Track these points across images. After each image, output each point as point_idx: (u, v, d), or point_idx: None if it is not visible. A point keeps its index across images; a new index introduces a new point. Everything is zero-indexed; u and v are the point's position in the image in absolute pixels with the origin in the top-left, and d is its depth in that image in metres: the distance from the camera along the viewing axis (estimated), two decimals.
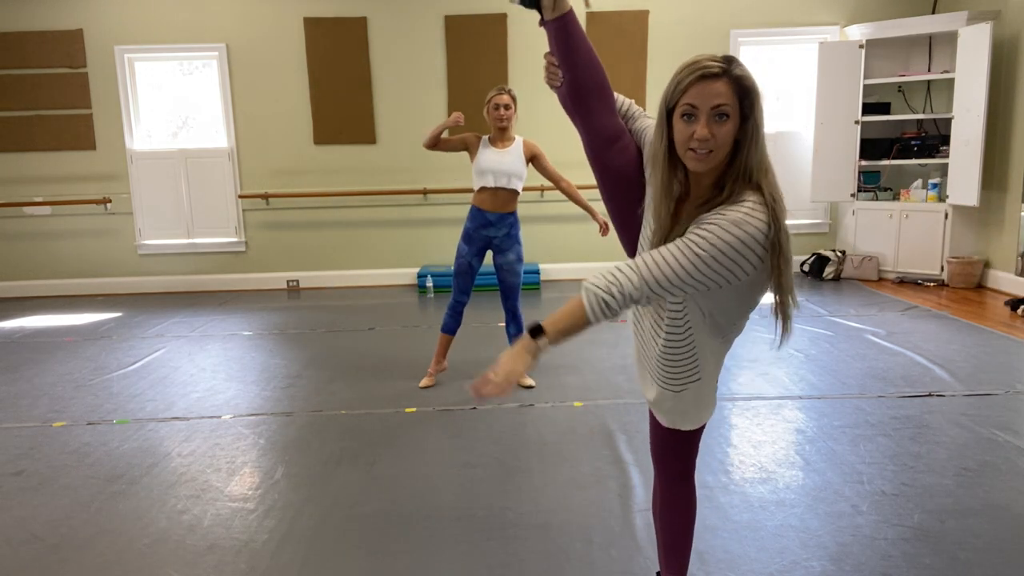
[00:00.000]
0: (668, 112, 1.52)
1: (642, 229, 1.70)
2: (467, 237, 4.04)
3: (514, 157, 3.95)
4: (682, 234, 1.53)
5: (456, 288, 4.10)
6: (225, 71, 6.98)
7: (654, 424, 1.91)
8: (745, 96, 1.46)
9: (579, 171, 7.12)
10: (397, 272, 7.33)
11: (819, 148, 6.83)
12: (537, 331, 1.50)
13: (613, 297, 1.47)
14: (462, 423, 3.64)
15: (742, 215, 1.46)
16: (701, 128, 1.45)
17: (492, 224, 3.99)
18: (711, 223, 1.46)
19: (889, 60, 6.84)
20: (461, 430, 3.55)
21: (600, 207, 7.10)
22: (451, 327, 4.16)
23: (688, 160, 1.51)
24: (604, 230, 4.11)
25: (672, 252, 1.47)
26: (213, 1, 6.88)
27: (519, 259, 4.07)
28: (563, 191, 4.13)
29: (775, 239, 1.48)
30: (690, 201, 1.59)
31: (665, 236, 1.58)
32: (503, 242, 4.03)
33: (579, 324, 1.50)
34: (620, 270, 1.49)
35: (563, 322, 1.50)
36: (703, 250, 1.45)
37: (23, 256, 7.25)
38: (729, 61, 1.47)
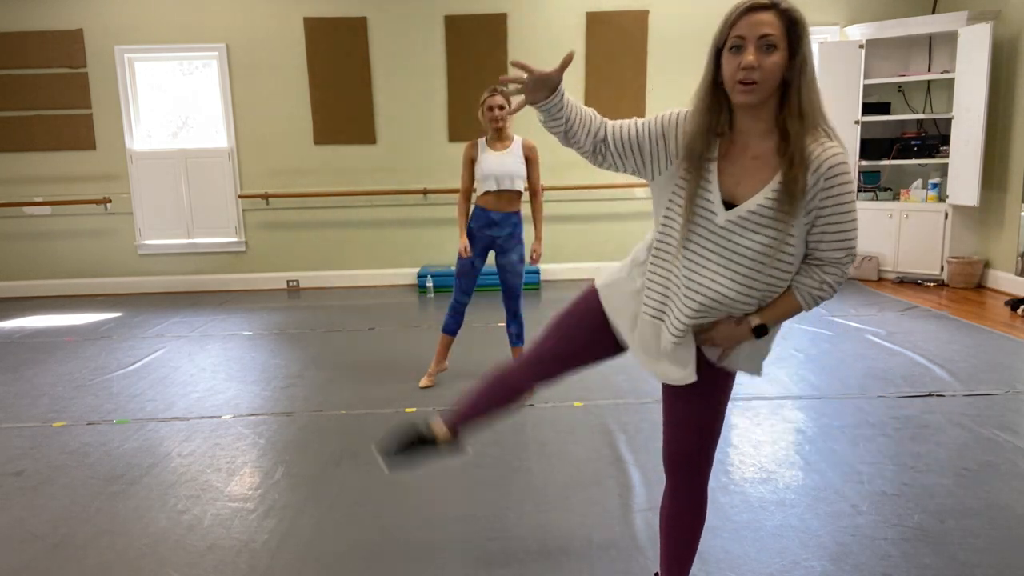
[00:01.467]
0: (717, 51, 1.56)
1: (669, 196, 1.67)
2: (471, 237, 4.03)
3: (514, 158, 3.94)
4: (753, 183, 1.56)
5: (458, 288, 4.10)
6: (225, 71, 6.98)
7: (679, 431, 1.82)
8: (792, 28, 1.50)
9: (576, 172, 7.14)
10: (397, 272, 7.33)
11: None
12: (760, 330, 1.66)
13: (829, 297, 1.65)
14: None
15: (841, 157, 1.53)
16: (748, 56, 1.48)
17: (496, 224, 3.99)
18: (835, 184, 1.52)
19: (889, 60, 6.84)
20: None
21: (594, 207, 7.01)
22: (452, 328, 4.16)
23: (735, 94, 1.53)
24: (534, 258, 4.09)
25: (844, 228, 1.55)
26: (213, 1, 6.88)
27: (521, 259, 4.07)
28: (532, 203, 4.10)
29: None
30: (737, 148, 1.60)
31: (700, 178, 1.60)
32: (506, 242, 4.02)
33: (792, 313, 1.67)
34: (832, 270, 1.61)
35: (782, 317, 1.67)
36: (851, 203, 1.55)
37: (23, 256, 7.25)
38: (776, 0, 1.51)
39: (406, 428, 2.17)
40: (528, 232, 4.22)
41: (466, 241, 4.00)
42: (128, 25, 6.89)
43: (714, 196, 1.59)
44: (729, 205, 1.59)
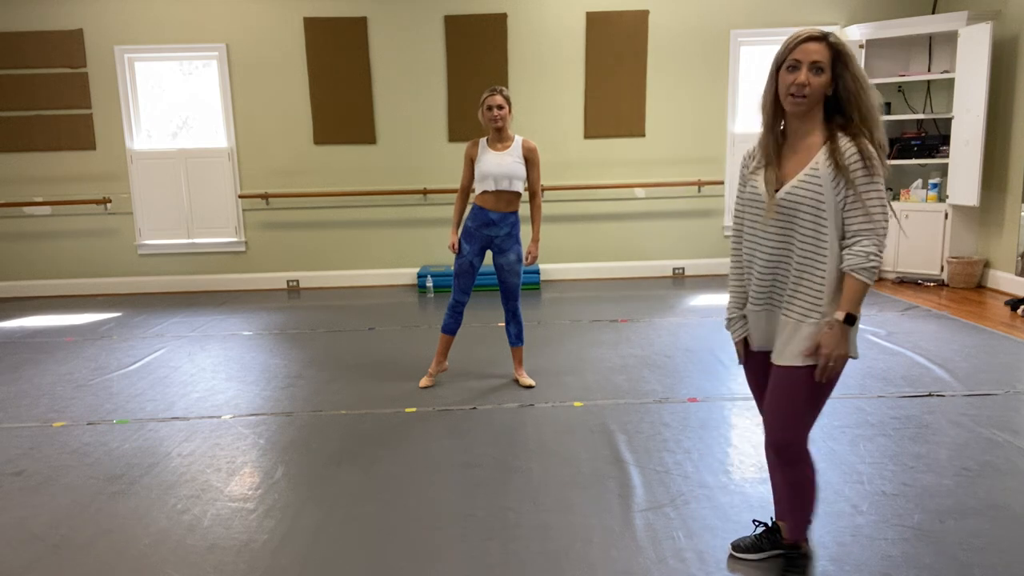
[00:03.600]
0: (776, 69, 1.98)
1: (747, 162, 2.13)
2: (468, 236, 4.03)
3: (513, 159, 3.93)
4: (796, 169, 1.99)
5: (457, 288, 4.10)
6: (225, 71, 6.98)
7: (770, 399, 2.10)
8: (838, 58, 1.92)
9: (576, 172, 7.13)
10: (397, 272, 7.33)
11: None
12: (850, 319, 1.95)
13: (878, 266, 1.93)
14: (462, 423, 3.64)
15: (866, 147, 1.91)
16: (801, 75, 1.92)
17: (494, 223, 3.99)
18: (869, 169, 1.90)
19: (889, 60, 6.84)
20: (461, 430, 3.55)
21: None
22: (452, 327, 4.16)
23: (787, 103, 1.96)
24: (529, 259, 4.08)
25: (875, 204, 1.90)
26: (213, 1, 6.88)
27: (519, 259, 4.06)
28: (531, 204, 4.09)
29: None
30: (788, 146, 2.03)
31: (769, 165, 2.04)
32: (504, 242, 4.02)
33: (863, 294, 1.96)
34: (869, 241, 1.91)
35: (857, 300, 1.95)
36: (881, 186, 1.92)
37: (23, 256, 7.25)
38: (827, 34, 1.95)
39: (757, 538, 2.41)
40: (526, 233, 4.23)
41: (455, 238, 4.01)
42: (128, 25, 6.89)
43: (762, 185, 2.04)
44: (777, 191, 2.02)
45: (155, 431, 3.64)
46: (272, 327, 5.73)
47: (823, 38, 1.93)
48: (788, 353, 2.03)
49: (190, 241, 7.29)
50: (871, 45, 6.64)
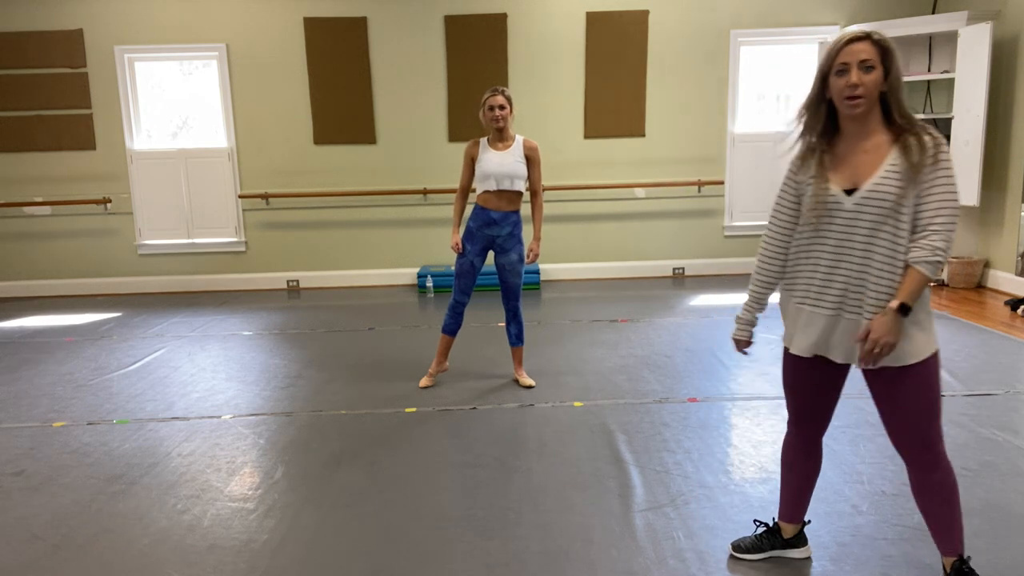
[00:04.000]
0: (824, 75, 1.96)
1: (797, 166, 2.10)
2: (470, 236, 4.03)
3: (515, 158, 3.93)
4: (870, 169, 1.94)
5: (457, 288, 4.10)
6: (225, 71, 6.98)
7: (887, 410, 2.12)
8: (885, 54, 1.91)
9: (576, 172, 7.12)
10: (397, 272, 7.33)
11: None
12: (904, 309, 1.91)
13: (943, 261, 1.90)
14: (462, 423, 3.64)
15: (936, 138, 1.91)
16: (853, 76, 1.89)
17: (496, 223, 3.99)
18: (938, 162, 1.88)
19: None
20: (461, 430, 3.55)
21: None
22: (452, 328, 4.15)
23: (844, 107, 1.94)
24: (531, 257, 4.07)
25: (946, 198, 1.88)
26: (213, 1, 6.88)
27: (521, 259, 4.06)
28: (532, 203, 4.09)
29: None
30: (851, 148, 1.99)
31: (804, 165, 2.05)
32: (506, 241, 4.02)
33: (924, 287, 1.93)
34: (937, 236, 1.88)
35: (916, 292, 1.92)
36: (952, 179, 1.90)
37: (23, 256, 7.25)
38: (871, 32, 1.94)
39: (758, 538, 2.41)
40: (527, 232, 4.22)
41: (458, 238, 4.01)
42: (128, 25, 6.89)
43: (834, 187, 1.98)
44: (850, 192, 1.96)
45: (155, 431, 3.64)
46: (272, 327, 5.73)
47: (867, 37, 1.91)
48: (897, 352, 1.99)
49: (190, 241, 7.29)
50: None
